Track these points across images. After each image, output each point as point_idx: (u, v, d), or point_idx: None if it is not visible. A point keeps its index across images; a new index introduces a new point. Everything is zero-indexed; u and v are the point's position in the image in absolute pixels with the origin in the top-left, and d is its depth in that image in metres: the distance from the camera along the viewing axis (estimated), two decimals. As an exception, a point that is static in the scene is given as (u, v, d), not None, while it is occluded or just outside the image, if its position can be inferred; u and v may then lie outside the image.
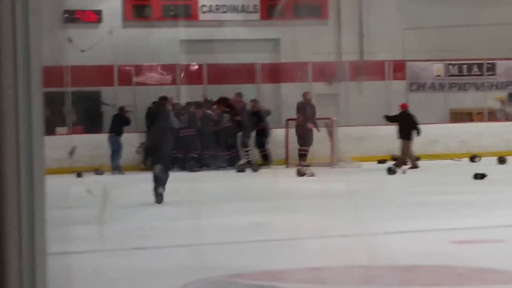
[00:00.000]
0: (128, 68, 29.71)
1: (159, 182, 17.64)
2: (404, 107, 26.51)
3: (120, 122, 26.92)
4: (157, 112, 19.82)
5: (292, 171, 24.31)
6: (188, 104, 27.56)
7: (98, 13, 30.38)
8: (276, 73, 31.12)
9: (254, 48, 31.50)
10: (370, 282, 9.17)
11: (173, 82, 29.80)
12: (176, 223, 14.55)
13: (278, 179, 24.02)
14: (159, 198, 17.46)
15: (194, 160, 26.74)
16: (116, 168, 26.12)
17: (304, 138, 26.81)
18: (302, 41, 31.34)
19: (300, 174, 23.46)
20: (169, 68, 30.07)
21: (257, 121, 27.78)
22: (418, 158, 26.16)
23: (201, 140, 26.97)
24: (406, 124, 25.96)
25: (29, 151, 1.29)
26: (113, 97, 29.45)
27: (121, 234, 13.12)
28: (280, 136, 28.03)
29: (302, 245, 11.96)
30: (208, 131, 27.00)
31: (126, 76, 29.59)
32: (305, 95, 27.55)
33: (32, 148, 1.30)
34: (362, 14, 32.59)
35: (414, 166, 25.31)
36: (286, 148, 27.53)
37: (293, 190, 20.41)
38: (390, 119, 26.35)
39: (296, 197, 18.47)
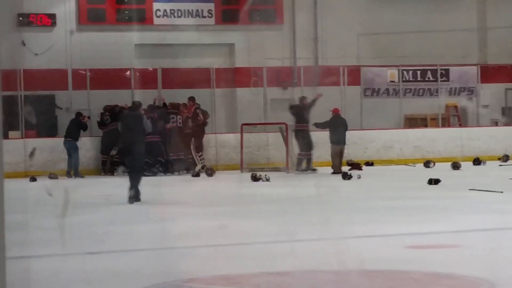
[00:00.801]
0: (82, 71, 29.59)
1: (133, 183, 18.45)
2: (335, 111, 26.45)
3: (77, 127, 26.86)
4: (130, 116, 20.08)
5: (247, 176, 24.33)
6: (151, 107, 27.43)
7: (52, 16, 30.23)
8: (230, 78, 31.12)
9: (209, 52, 31.49)
10: (322, 287, 9.16)
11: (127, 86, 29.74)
12: (138, 227, 14.51)
13: (233, 184, 24.00)
14: (131, 199, 18.16)
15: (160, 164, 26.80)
16: (75, 173, 26.08)
17: (306, 143, 26.68)
18: (257, 46, 31.41)
19: (255, 179, 23.46)
20: (122, 72, 29.99)
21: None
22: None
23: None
24: (339, 129, 25.98)
25: None
26: (67, 100, 29.33)
27: (80, 237, 13.04)
28: (235, 141, 28.05)
29: (259, 250, 11.95)
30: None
31: (81, 80, 29.47)
32: (302, 99, 27.41)
33: None
34: (317, 20, 32.66)
35: (338, 172, 25.26)
36: (241, 153, 27.52)
37: (248, 194, 20.44)
38: (322, 125, 26.31)
39: (252, 202, 18.50)
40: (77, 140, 26.55)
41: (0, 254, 1.27)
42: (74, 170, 26.23)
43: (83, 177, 25.97)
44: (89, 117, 27.62)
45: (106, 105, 28.09)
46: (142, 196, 18.12)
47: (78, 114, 27.25)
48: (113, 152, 26.37)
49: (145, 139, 19.81)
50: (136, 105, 20.49)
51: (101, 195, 20.63)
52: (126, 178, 18.63)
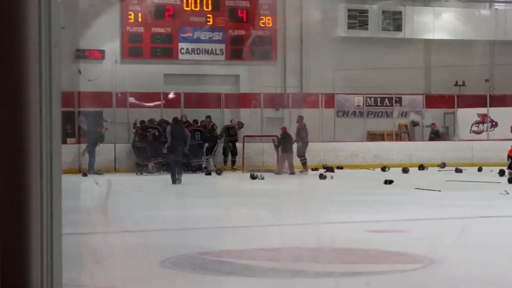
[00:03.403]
0: (124, 94, 29.61)
1: (176, 172, 21.39)
2: (284, 129, 26.83)
3: (96, 137, 26.74)
4: (175, 127, 22.54)
5: (247, 175, 24.33)
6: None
7: (102, 52, 30.24)
8: (236, 101, 31.13)
9: (220, 81, 31.50)
10: (300, 260, 9.15)
11: (158, 105, 29.80)
12: (163, 212, 14.49)
13: (237, 181, 23.99)
14: (176, 181, 21.17)
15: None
16: (93, 171, 25.69)
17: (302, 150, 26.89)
18: (256, 77, 31.46)
19: (253, 177, 23.43)
20: (156, 95, 30.03)
21: (231, 134, 28.16)
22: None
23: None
24: (287, 141, 26.22)
25: (49, 155, 1.25)
26: (112, 115, 29.34)
27: (119, 219, 13.01)
28: (239, 148, 28.07)
29: (255, 231, 11.93)
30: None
31: (122, 100, 29.50)
32: (300, 118, 27.63)
33: (52, 153, 1.26)
34: (302, 58, 32.71)
35: (292, 173, 25.48)
36: (243, 158, 27.51)
37: (247, 189, 20.42)
38: (279, 143, 26.61)
39: (250, 195, 18.48)
40: (95, 146, 26.33)
41: (58, 231, 1.27)
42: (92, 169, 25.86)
43: (101, 174, 25.42)
44: (106, 129, 27.65)
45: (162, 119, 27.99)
46: (165, 189, 18.11)
47: (97, 126, 27.46)
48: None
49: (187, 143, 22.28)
50: (177, 120, 23.00)
51: (136, 187, 20.63)
52: (154, 175, 18.58)
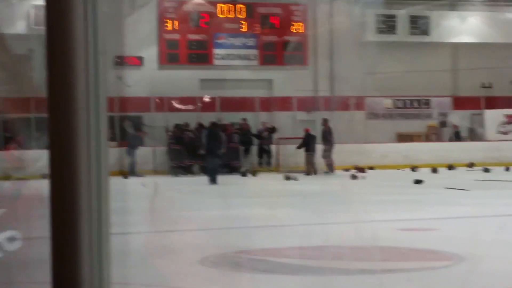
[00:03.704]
0: (161, 99, 29.75)
1: (214, 174, 21.58)
2: (307, 130, 26.64)
3: (137, 140, 26.91)
4: (212, 131, 23.11)
5: (281, 176, 24.32)
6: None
7: (140, 58, 30.40)
8: (269, 104, 31.16)
9: (254, 85, 31.53)
10: (340, 258, 9.12)
11: (194, 109, 29.90)
12: (202, 212, 14.49)
13: (272, 182, 23.96)
14: (214, 181, 21.39)
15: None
16: (133, 173, 25.89)
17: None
18: (289, 81, 31.44)
19: (287, 178, 23.42)
20: (193, 99, 30.13)
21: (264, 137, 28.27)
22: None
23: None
24: (310, 142, 26.09)
25: (97, 157, 1.26)
26: (151, 119, 29.49)
27: (160, 219, 13.07)
28: (273, 151, 28.08)
29: (294, 230, 11.90)
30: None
31: (161, 104, 29.63)
32: (325, 121, 27.65)
33: (100, 155, 1.27)
34: (333, 63, 32.65)
35: (314, 173, 25.40)
36: (278, 159, 27.51)
37: (282, 190, 20.41)
38: (301, 145, 26.49)
39: (285, 195, 18.44)
40: (135, 149, 26.50)
41: (106, 230, 1.28)
42: (132, 171, 26.04)
43: (141, 175, 25.63)
44: (146, 133, 27.85)
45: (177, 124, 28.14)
46: (203, 189, 18.15)
47: (137, 130, 27.57)
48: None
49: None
50: (215, 123, 23.37)
51: (176, 188, 20.71)
52: (193, 178, 18.66)
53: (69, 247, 1.28)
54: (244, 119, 28.58)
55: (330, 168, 26.39)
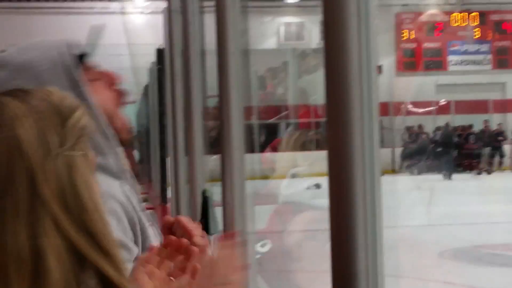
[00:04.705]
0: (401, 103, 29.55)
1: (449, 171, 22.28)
2: None
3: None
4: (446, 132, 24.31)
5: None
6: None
7: (380, 66, 30.32)
8: (504, 106, 30.10)
9: (487, 89, 30.54)
10: None
11: (429, 112, 29.45)
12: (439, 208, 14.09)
13: (507, 180, 22.96)
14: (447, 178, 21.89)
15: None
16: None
17: None
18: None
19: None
20: (428, 103, 29.69)
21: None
22: None
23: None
24: None
25: (371, 158, 1.29)
26: (390, 123, 29.34)
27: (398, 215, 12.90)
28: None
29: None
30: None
31: (398, 109, 29.42)
32: None
33: (373, 156, 1.30)
34: None
35: None
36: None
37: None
38: None
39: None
40: None
41: (379, 224, 1.28)
42: None
43: None
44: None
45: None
46: (438, 186, 17.73)
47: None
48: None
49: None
50: (448, 125, 24.44)
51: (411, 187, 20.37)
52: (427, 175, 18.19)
53: (346, 241, 1.30)
54: (486, 121, 28.05)
55: None
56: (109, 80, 1.80)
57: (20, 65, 1.68)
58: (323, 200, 1.43)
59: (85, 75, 1.76)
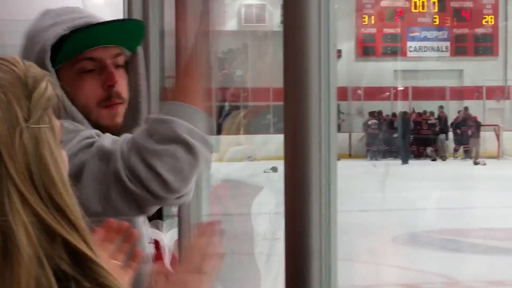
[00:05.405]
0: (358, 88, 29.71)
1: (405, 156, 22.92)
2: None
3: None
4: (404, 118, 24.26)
5: (470, 162, 23.63)
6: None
7: (339, 51, 30.44)
8: (460, 94, 30.40)
9: (444, 76, 30.83)
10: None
11: (388, 98, 29.66)
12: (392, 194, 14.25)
13: (460, 167, 23.32)
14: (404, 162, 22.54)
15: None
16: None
17: None
18: (479, 71, 30.55)
19: (475, 163, 22.76)
20: (387, 89, 29.87)
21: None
22: None
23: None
24: None
25: (327, 141, 1.31)
26: (347, 108, 29.52)
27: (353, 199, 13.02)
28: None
29: (482, 213, 11.53)
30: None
31: (356, 94, 29.59)
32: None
33: (329, 139, 1.32)
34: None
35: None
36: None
37: (471, 174, 19.82)
38: None
39: (474, 179, 17.89)
40: None
41: (334, 207, 1.30)
42: None
43: None
44: (343, 120, 27.72)
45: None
46: (392, 171, 18.01)
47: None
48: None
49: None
50: (406, 112, 24.30)
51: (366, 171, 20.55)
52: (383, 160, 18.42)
53: (301, 224, 1.31)
54: (441, 107, 28.21)
55: None
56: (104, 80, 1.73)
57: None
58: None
59: (78, 65, 1.72)
